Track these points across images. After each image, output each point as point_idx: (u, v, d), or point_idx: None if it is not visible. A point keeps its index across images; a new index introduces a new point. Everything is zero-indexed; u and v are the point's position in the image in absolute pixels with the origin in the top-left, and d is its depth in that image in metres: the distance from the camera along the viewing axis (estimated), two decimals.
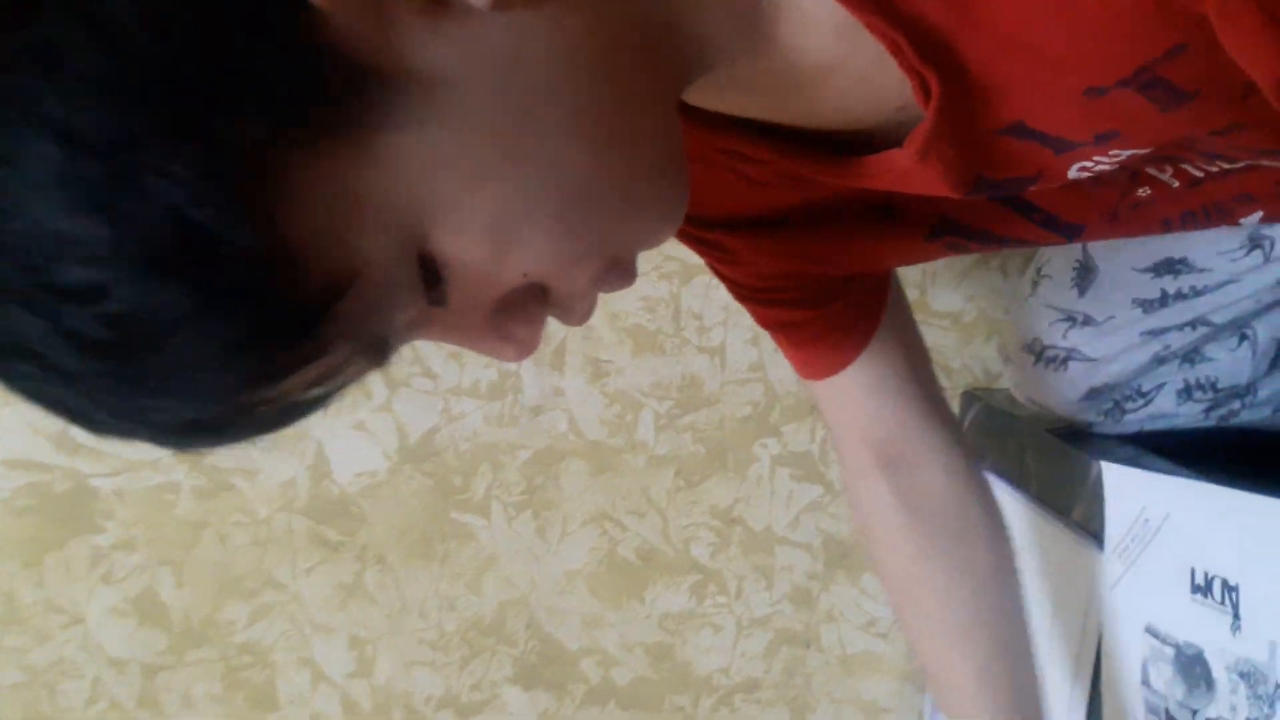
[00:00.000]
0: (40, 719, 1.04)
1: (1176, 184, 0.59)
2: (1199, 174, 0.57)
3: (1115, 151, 0.45)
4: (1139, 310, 0.83)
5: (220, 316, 0.30)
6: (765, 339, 1.08)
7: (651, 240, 0.43)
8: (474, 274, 0.37)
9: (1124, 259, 0.83)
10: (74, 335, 0.30)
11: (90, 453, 1.02)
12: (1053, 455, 0.88)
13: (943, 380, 1.12)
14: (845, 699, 1.17)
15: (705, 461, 1.11)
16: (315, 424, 1.02)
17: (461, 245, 0.35)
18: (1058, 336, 0.87)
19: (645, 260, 1.05)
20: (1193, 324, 0.83)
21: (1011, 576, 0.71)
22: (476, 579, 1.10)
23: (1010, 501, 0.93)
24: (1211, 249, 0.80)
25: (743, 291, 0.66)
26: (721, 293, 1.06)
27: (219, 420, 0.34)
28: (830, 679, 1.16)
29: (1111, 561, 0.77)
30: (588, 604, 1.12)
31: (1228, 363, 0.85)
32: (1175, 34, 0.37)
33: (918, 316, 1.08)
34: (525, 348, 0.41)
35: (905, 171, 0.46)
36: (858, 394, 0.68)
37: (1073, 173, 0.47)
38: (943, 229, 0.58)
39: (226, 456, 1.03)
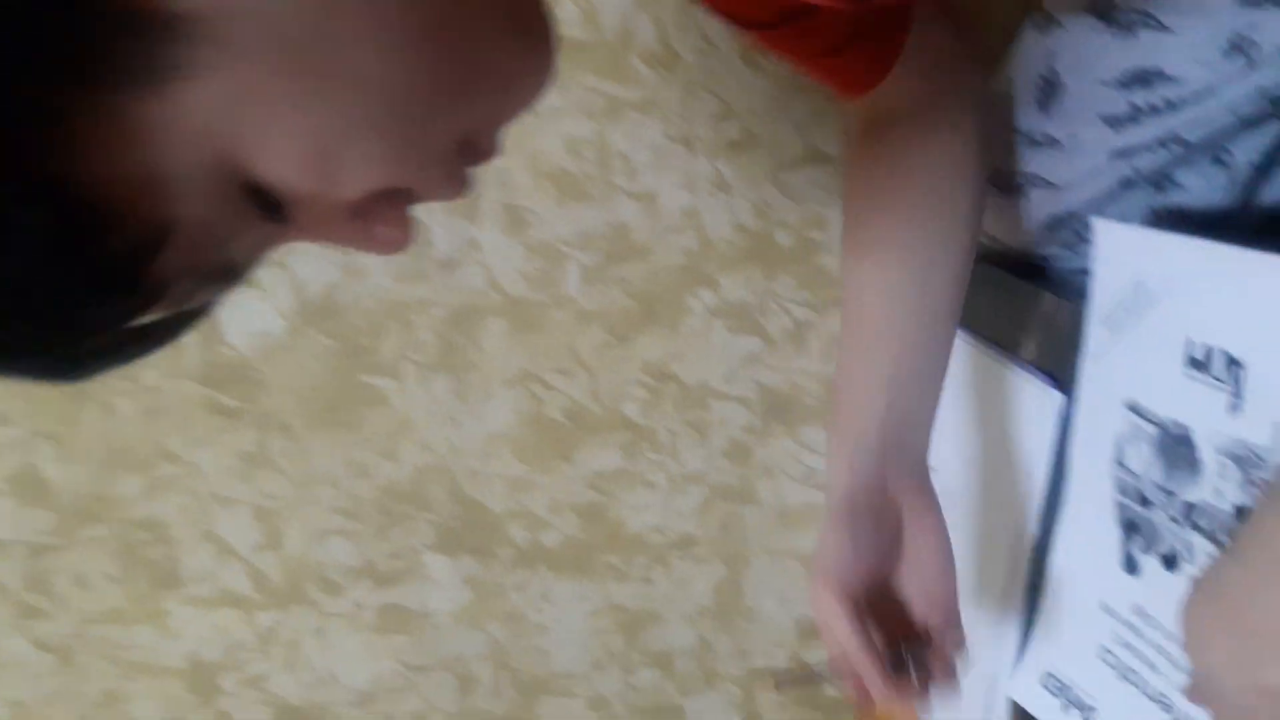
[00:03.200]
0: None
1: None
2: None
3: None
4: (1106, 128, 0.77)
5: (42, 281, 0.31)
6: (700, 182, 1.00)
7: (509, 111, 0.42)
8: (310, 196, 0.36)
9: (1092, 72, 0.76)
10: None
11: None
12: (998, 289, 0.83)
13: None
14: (783, 551, 1.14)
15: (636, 316, 1.04)
16: None
17: (286, 174, 0.35)
18: (1018, 161, 0.81)
19: (567, 96, 0.94)
20: (1164, 142, 0.76)
21: (959, 272, 0.73)
22: (390, 445, 1.03)
23: (956, 343, 0.89)
24: (1189, 55, 0.72)
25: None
26: (651, 133, 0.98)
27: (84, 358, 0.35)
28: (768, 533, 1.13)
29: (1096, 330, 0.71)
30: (513, 467, 1.06)
31: (1200, 190, 0.78)
32: None
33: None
34: (395, 245, 0.41)
35: None
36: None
37: None
38: None
39: None
